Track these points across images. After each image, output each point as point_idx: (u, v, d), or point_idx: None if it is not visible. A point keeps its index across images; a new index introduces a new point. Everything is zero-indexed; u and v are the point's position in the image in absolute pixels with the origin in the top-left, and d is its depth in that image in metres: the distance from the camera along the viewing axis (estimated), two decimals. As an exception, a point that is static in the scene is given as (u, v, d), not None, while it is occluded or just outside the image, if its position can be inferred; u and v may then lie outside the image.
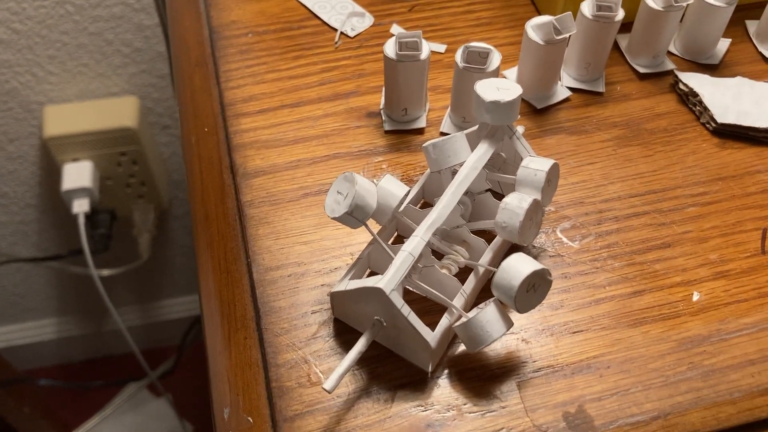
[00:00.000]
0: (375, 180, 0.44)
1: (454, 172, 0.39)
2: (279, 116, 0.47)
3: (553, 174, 0.38)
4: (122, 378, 1.37)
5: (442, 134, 0.47)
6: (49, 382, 1.35)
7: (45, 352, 1.40)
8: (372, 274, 0.40)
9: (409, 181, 0.44)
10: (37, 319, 1.36)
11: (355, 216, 0.35)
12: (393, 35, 0.51)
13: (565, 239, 0.42)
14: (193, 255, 1.28)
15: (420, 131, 0.47)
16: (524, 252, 0.41)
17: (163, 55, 0.99)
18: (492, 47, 0.43)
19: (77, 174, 1.03)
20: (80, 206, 1.03)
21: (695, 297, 0.39)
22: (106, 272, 1.17)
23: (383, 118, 0.47)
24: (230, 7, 0.54)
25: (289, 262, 0.41)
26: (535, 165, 0.37)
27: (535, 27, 0.45)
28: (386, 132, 0.47)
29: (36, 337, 1.38)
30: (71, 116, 1.02)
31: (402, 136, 0.47)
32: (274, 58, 0.51)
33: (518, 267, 0.33)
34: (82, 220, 1.03)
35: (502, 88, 0.38)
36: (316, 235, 0.42)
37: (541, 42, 0.44)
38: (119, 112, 1.02)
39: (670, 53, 0.51)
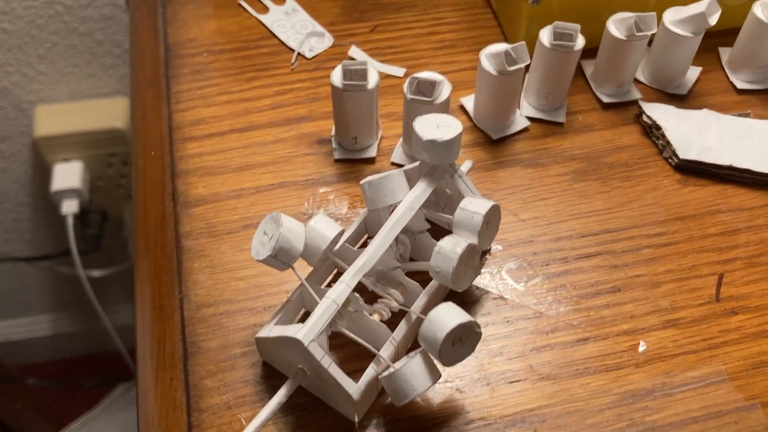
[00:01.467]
0: (321, 210, 0.43)
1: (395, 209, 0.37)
2: (227, 141, 0.46)
3: (492, 216, 0.37)
4: (115, 375, 1.37)
5: (393, 165, 0.45)
6: (39, 382, 1.35)
7: (38, 348, 1.40)
8: (307, 314, 0.39)
9: (355, 214, 0.43)
10: (31, 316, 1.37)
11: (279, 259, 0.33)
12: (351, 58, 0.50)
13: (510, 280, 0.40)
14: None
15: (371, 161, 0.45)
16: (466, 294, 0.40)
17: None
18: (442, 78, 0.41)
19: (67, 174, 1.03)
20: (69, 207, 1.03)
21: (641, 347, 0.38)
22: (96, 273, 1.16)
23: (333, 146, 0.46)
24: (188, 24, 0.53)
25: (222, 298, 0.39)
26: (472, 207, 0.36)
27: (489, 56, 0.43)
28: (336, 161, 0.45)
29: (29, 333, 1.38)
30: (62, 117, 1.02)
31: (352, 165, 0.45)
32: (227, 79, 0.49)
33: (444, 318, 0.32)
34: (70, 221, 1.03)
35: (442, 125, 0.37)
36: (252, 270, 0.40)
37: (494, 72, 0.42)
38: (110, 113, 1.02)
39: (638, 81, 0.49)
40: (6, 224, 1.17)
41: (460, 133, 0.36)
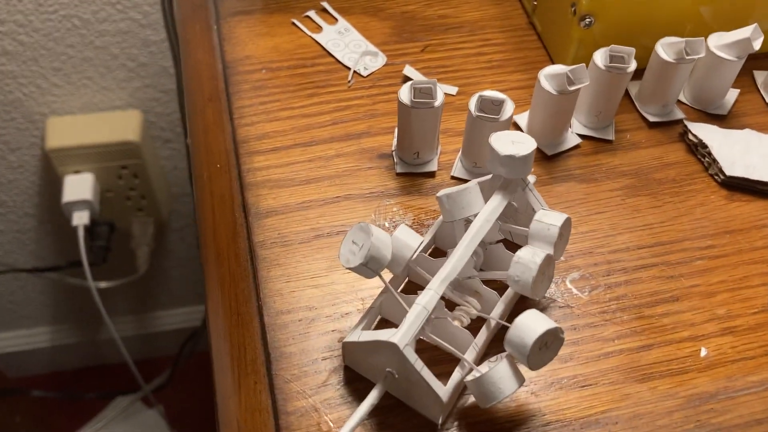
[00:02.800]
0: (387, 223, 0.45)
1: (467, 222, 0.39)
2: (291, 155, 0.48)
3: (565, 228, 0.39)
4: (116, 387, 1.37)
5: (453, 178, 0.47)
6: (42, 393, 1.35)
7: (39, 360, 1.40)
8: (383, 320, 0.40)
9: (420, 226, 0.45)
10: (32, 327, 1.36)
11: (370, 267, 0.35)
12: (405, 76, 0.52)
13: (574, 290, 0.42)
14: (190, 267, 1.28)
15: (431, 174, 0.47)
16: (534, 303, 0.41)
17: (167, 70, 0.99)
18: (506, 96, 0.43)
19: (78, 186, 1.03)
20: (80, 218, 1.03)
21: (703, 353, 0.40)
22: (103, 284, 1.17)
23: (395, 160, 0.48)
24: (244, 42, 0.54)
25: (299, 306, 0.41)
26: (548, 219, 0.38)
27: (548, 76, 0.45)
28: (398, 174, 0.47)
29: (30, 344, 1.38)
30: (74, 129, 1.03)
31: (413, 179, 0.47)
32: (287, 95, 0.51)
33: (532, 325, 0.34)
34: (81, 233, 1.03)
35: (516, 141, 0.39)
36: (326, 278, 0.42)
37: (554, 92, 0.45)
38: (122, 126, 1.03)
39: (679, 101, 0.52)
40: (10, 235, 1.17)
41: (535, 149, 0.38)
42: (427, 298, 0.35)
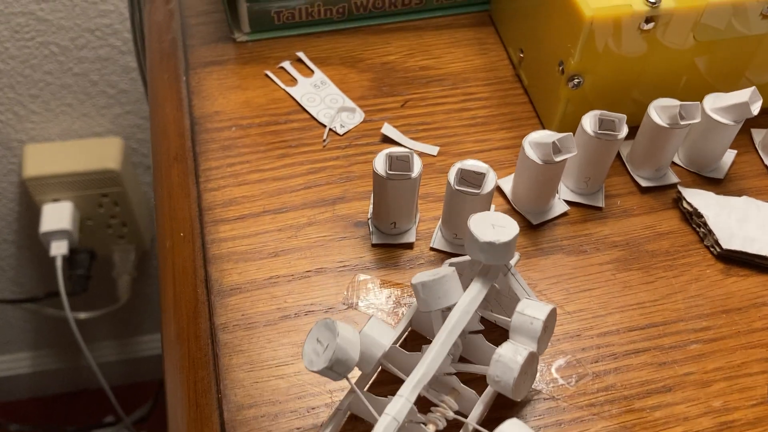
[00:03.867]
0: (361, 302, 0.42)
1: (445, 310, 0.36)
2: (260, 224, 0.45)
3: (550, 321, 0.36)
4: (99, 413, 1.34)
5: (433, 250, 0.44)
6: (19, 427, 1.31)
7: (20, 386, 1.37)
8: (351, 417, 0.37)
9: (396, 305, 0.42)
10: (12, 353, 1.34)
11: (335, 371, 0.32)
12: (384, 135, 0.49)
13: (560, 379, 0.39)
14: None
15: (409, 246, 0.44)
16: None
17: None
18: (488, 167, 0.40)
19: (56, 215, 1.01)
20: (58, 248, 1.01)
21: (698, 453, 0.37)
22: (83, 315, 1.14)
23: (371, 229, 0.45)
24: (214, 96, 0.51)
25: (263, 399, 0.38)
26: (531, 312, 0.35)
27: (533, 144, 0.42)
28: (373, 245, 0.44)
29: (10, 370, 1.35)
30: (52, 156, 1.00)
31: (390, 250, 0.44)
32: (257, 155, 0.48)
33: (511, 439, 0.31)
34: (59, 263, 1.01)
35: (498, 225, 0.36)
36: (293, 367, 0.39)
37: (539, 161, 0.42)
38: (102, 153, 1.00)
39: (673, 163, 0.49)
40: (-11, 263, 1.14)
41: (517, 234, 0.35)
42: (398, 407, 0.32)
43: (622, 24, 0.44)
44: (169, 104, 0.51)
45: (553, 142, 0.41)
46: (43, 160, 1.00)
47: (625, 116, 0.42)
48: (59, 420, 1.38)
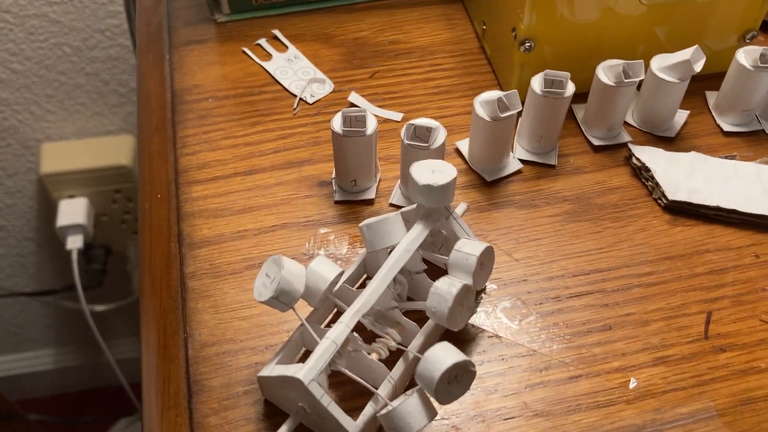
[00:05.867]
0: (322, 251, 0.44)
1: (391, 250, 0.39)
2: (230, 184, 0.48)
3: (486, 257, 0.38)
4: (120, 409, 1.37)
5: (392, 206, 0.47)
6: (41, 417, 1.35)
7: (42, 383, 1.41)
8: (307, 353, 0.40)
9: (355, 254, 0.44)
10: (35, 350, 1.37)
11: (281, 300, 0.35)
12: (351, 103, 0.52)
13: (505, 319, 0.41)
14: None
15: (370, 202, 0.47)
16: (462, 333, 0.41)
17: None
18: (437, 124, 0.43)
19: (72, 211, 1.05)
20: (74, 242, 1.05)
21: (632, 384, 0.39)
22: (99, 308, 1.17)
23: (334, 188, 0.47)
24: (194, 71, 0.55)
25: (225, 338, 0.40)
26: (467, 249, 0.37)
27: (482, 103, 0.45)
28: (336, 202, 0.47)
29: (33, 367, 1.39)
30: (68, 154, 1.04)
31: (351, 206, 0.47)
32: (231, 124, 0.51)
33: (440, 358, 0.33)
34: (75, 257, 1.05)
35: (437, 170, 0.38)
36: (255, 310, 0.42)
37: (487, 118, 0.44)
38: (115, 151, 1.04)
39: (627, 124, 0.51)
40: (10, 259, 1.18)
41: (455, 178, 0.38)
42: (337, 332, 0.35)
43: (566, -12, 0.46)
44: (153, 81, 0.55)
45: (499, 99, 0.43)
46: (58, 157, 1.04)
47: (569, 74, 0.45)
48: (81, 416, 1.41)
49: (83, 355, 1.39)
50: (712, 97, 0.53)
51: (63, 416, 1.40)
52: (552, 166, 0.49)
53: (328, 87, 0.53)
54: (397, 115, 0.52)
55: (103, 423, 1.37)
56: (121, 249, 1.16)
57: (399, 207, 0.47)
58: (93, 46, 0.95)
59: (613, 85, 0.46)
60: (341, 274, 0.38)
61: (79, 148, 1.05)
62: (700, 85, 0.53)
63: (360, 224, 0.38)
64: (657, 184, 0.46)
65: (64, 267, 1.21)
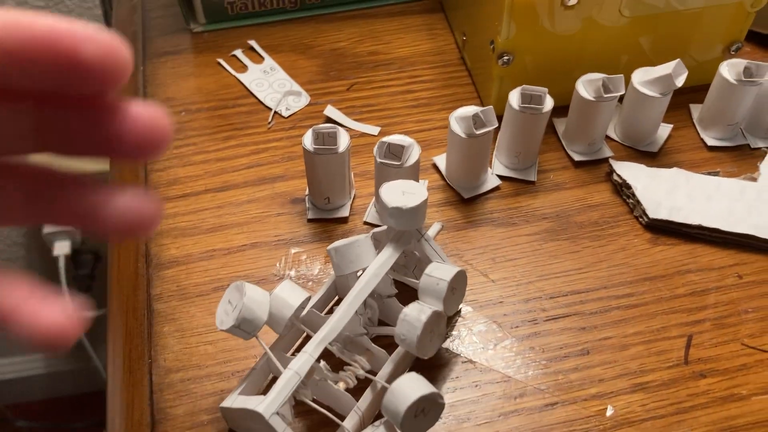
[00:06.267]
0: (293, 272, 0.43)
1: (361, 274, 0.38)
2: (201, 202, 0.46)
3: (457, 282, 0.37)
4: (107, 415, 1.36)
5: (366, 224, 0.46)
6: (29, 424, 1.34)
7: (33, 387, 1.40)
8: (274, 380, 0.38)
9: (326, 275, 0.43)
10: (25, 354, 1.36)
11: (243, 329, 0.34)
12: (327, 117, 0.51)
13: (479, 343, 0.40)
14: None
15: (344, 220, 0.46)
16: (435, 358, 0.40)
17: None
18: (411, 141, 0.42)
19: (59, 216, 1.03)
20: (61, 248, 1.04)
21: (609, 411, 0.37)
22: (88, 314, 1.16)
23: (307, 205, 0.46)
24: (167, 84, 0.53)
25: (190, 363, 0.39)
26: (438, 273, 0.36)
27: (458, 119, 0.43)
28: (309, 220, 0.46)
29: (23, 371, 1.38)
30: (53, 158, 1.03)
31: (325, 224, 0.46)
32: (203, 138, 0.50)
33: (406, 391, 0.32)
34: (62, 263, 1.04)
35: (408, 192, 0.37)
36: (221, 334, 0.40)
37: (463, 135, 0.43)
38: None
39: (609, 138, 0.50)
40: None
41: (425, 200, 0.37)
42: (301, 363, 0.34)
43: (546, 1, 0.45)
44: (125, 94, 0.53)
45: (474, 115, 0.42)
46: (44, 161, 1.03)
47: (547, 89, 0.44)
48: (71, 420, 1.40)
49: (73, 360, 1.38)
50: (696, 110, 0.51)
51: (52, 422, 1.39)
52: (531, 183, 0.47)
53: (304, 100, 0.52)
54: (374, 129, 0.50)
55: (93, 428, 1.36)
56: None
57: (374, 225, 0.45)
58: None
59: (593, 99, 0.45)
60: (308, 299, 0.36)
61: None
62: (684, 98, 0.52)
63: (328, 247, 0.37)
64: (638, 201, 0.45)
65: (51, 273, 1.20)
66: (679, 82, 0.45)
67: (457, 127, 0.43)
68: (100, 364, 1.15)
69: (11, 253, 1.17)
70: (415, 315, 0.34)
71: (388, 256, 0.37)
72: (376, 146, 0.42)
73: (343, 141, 0.42)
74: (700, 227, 0.44)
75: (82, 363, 1.38)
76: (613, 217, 0.46)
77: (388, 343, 0.38)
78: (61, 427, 1.38)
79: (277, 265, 0.43)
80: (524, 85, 0.44)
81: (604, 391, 0.38)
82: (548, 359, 0.39)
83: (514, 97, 0.45)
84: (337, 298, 0.42)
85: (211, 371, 0.39)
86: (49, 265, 1.18)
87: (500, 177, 0.47)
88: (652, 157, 0.49)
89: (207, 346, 0.40)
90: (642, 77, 0.46)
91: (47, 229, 1.02)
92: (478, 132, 0.42)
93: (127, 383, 0.39)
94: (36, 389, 1.41)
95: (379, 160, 0.42)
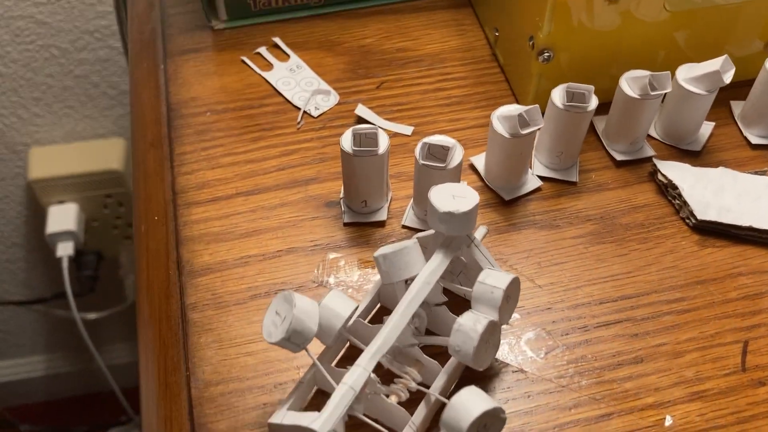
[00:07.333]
0: (331, 279, 0.42)
1: (409, 282, 0.36)
2: (232, 205, 0.45)
3: (512, 290, 0.35)
4: (113, 415, 1.35)
5: (404, 227, 0.44)
6: (31, 428, 1.32)
7: (33, 389, 1.38)
8: (319, 392, 0.37)
9: (366, 281, 0.42)
10: (25, 356, 1.35)
11: (293, 341, 0.32)
12: (358, 116, 0.49)
13: (529, 352, 0.39)
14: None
15: (381, 224, 0.44)
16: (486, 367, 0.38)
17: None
18: (454, 142, 0.40)
19: (62, 217, 1.02)
20: (64, 250, 1.02)
21: (668, 422, 0.36)
22: (91, 315, 1.15)
23: (342, 208, 0.45)
24: (190, 83, 0.52)
25: (231, 376, 0.38)
26: (492, 281, 0.35)
27: (500, 118, 0.42)
28: (345, 224, 0.44)
29: (24, 374, 1.36)
30: (57, 159, 1.01)
31: (362, 229, 0.44)
32: (231, 139, 0.48)
33: (468, 406, 0.30)
34: (65, 264, 1.02)
35: (458, 195, 0.36)
36: (261, 344, 0.39)
37: (506, 135, 0.41)
38: (106, 155, 1.01)
39: (650, 137, 0.49)
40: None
41: (477, 204, 0.35)
42: (355, 377, 0.32)
43: (588, -5, 0.43)
44: (147, 92, 0.52)
45: (520, 115, 0.41)
46: (47, 162, 1.01)
47: (593, 87, 0.42)
48: (73, 423, 1.39)
49: (75, 362, 1.37)
50: (737, 107, 0.50)
51: (54, 425, 1.38)
52: (573, 183, 0.46)
53: (333, 99, 0.51)
54: (407, 129, 0.49)
55: (95, 431, 1.34)
56: (113, 254, 1.13)
57: (412, 229, 0.44)
58: (82, 47, 0.92)
59: (638, 97, 0.44)
60: (356, 309, 0.35)
61: (69, 152, 1.02)
62: (724, 94, 0.50)
63: (375, 254, 0.35)
64: (685, 202, 0.44)
65: (54, 274, 1.18)
66: (727, 78, 0.43)
67: (500, 127, 0.42)
68: (103, 365, 1.13)
69: (11, 254, 1.15)
70: (470, 325, 0.33)
71: (438, 263, 0.36)
72: (417, 147, 0.40)
73: (383, 142, 0.41)
74: (750, 228, 0.43)
75: (84, 364, 1.36)
76: (659, 219, 0.44)
77: (436, 353, 0.36)
78: (63, 430, 1.37)
79: (315, 271, 0.42)
80: (569, 83, 0.42)
81: (660, 401, 0.37)
82: (601, 367, 0.38)
83: (558, 96, 0.43)
84: (379, 305, 0.40)
85: (252, 383, 0.37)
86: (51, 266, 1.16)
87: (541, 177, 0.46)
88: (695, 156, 0.48)
89: (247, 357, 0.38)
90: (687, 74, 0.45)
91: (50, 230, 1.01)
92: (523, 132, 0.41)
93: (164, 397, 0.38)
94: (36, 391, 1.39)
95: (421, 162, 0.40)
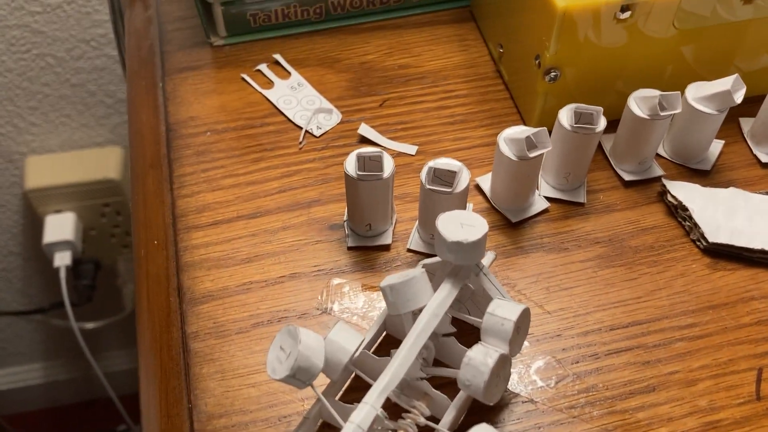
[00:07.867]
0: (335, 306, 0.41)
1: (416, 313, 0.35)
2: (233, 229, 0.44)
3: (522, 321, 0.34)
4: (112, 422, 1.34)
5: (410, 251, 0.43)
6: (30, 435, 1.32)
7: (31, 397, 1.38)
8: (325, 425, 0.36)
9: (371, 308, 0.41)
10: (24, 364, 1.34)
11: (299, 378, 0.31)
12: (361, 136, 0.48)
13: (539, 381, 0.38)
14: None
15: (386, 247, 0.43)
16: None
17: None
18: (460, 166, 0.39)
19: (59, 226, 1.01)
20: (62, 259, 1.01)
21: (682, 454, 0.35)
22: (89, 325, 1.14)
23: (346, 232, 0.44)
24: (189, 101, 0.51)
25: (234, 408, 0.37)
26: (501, 312, 0.34)
27: (507, 140, 0.41)
28: (349, 248, 0.43)
29: (22, 381, 1.36)
30: (54, 168, 1.01)
31: (366, 252, 0.43)
32: (232, 160, 0.47)
33: (479, 446, 0.30)
34: (63, 274, 1.01)
35: (466, 224, 0.35)
36: (264, 375, 0.38)
37: (513, 157, 0.41)
38: (103, 163, 1.00)
39: (658, 155, 0.48)
40: (-4, 275, 1.15)
41: (486, 233, 0.34)
42: (362, 415, 0.31)
43: (596, 14, 0.42)
44: (146, 111, 0.51)
45: (527, 137, 0.40)
46: (44, 171, 1.01)
47: (602, 108, 0.41)
48: (71, 430, 1.38)
49: (72, 369, 1.36)
50: (746, 123, 0.49)
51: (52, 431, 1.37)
52: (581, 204, 0.45)
53: (336, 117, 0.50)
54: (411, 149, 0.48)
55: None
56: (111, 263, 1.12)
57: (417, 252, 0.43)
58: (78, 56, 0.91)
59: (647, 117, 0.43)
60: (361, 343, 0.34)
61: (66, 161, 1.01)
62: (732, 110, 0.49)
63: (382, 284, 0.34)
64: (695, 224, 0.43)
65: (52, 284, 1.18)
66: (738, 98, 0.43)
67: (506, 149, 0.41)
68: (101, 372, 1.13)
69: (8, 263, 1.14)
70: (480, 359, 0.32)
71: (446, 293, 0.35)
72: (423, 171, 0.40)
73: (388, 165, 0.40)
74: (762, 252, 0.42)
75: (81, 372, 1.35)
76: (669, 241, 0.44)
77: (443, 383, 0.36)
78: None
79: (319, 297, 0.41)
80: (577, 104, 0.41)
81: (674, 431, 0.36)
82: (613, 397, 0.37)
83: (565, 116, 0.42)
84: (384, 333, 0.39)
85: (256, 416, 0.36)
86: (49, 276, 1.15)
87: (548, 198, 0.45)
88: (705, 176, 0.47)
89: (250, 389, 0.37)
90: (697, 93, 0.44)
91: (47, 239, 1.00)
92: (531, 155, 0.40)
93: (166, 428, 0.37)
94: (35, 399, 1.39)
95: (427, 186, 0.39)
